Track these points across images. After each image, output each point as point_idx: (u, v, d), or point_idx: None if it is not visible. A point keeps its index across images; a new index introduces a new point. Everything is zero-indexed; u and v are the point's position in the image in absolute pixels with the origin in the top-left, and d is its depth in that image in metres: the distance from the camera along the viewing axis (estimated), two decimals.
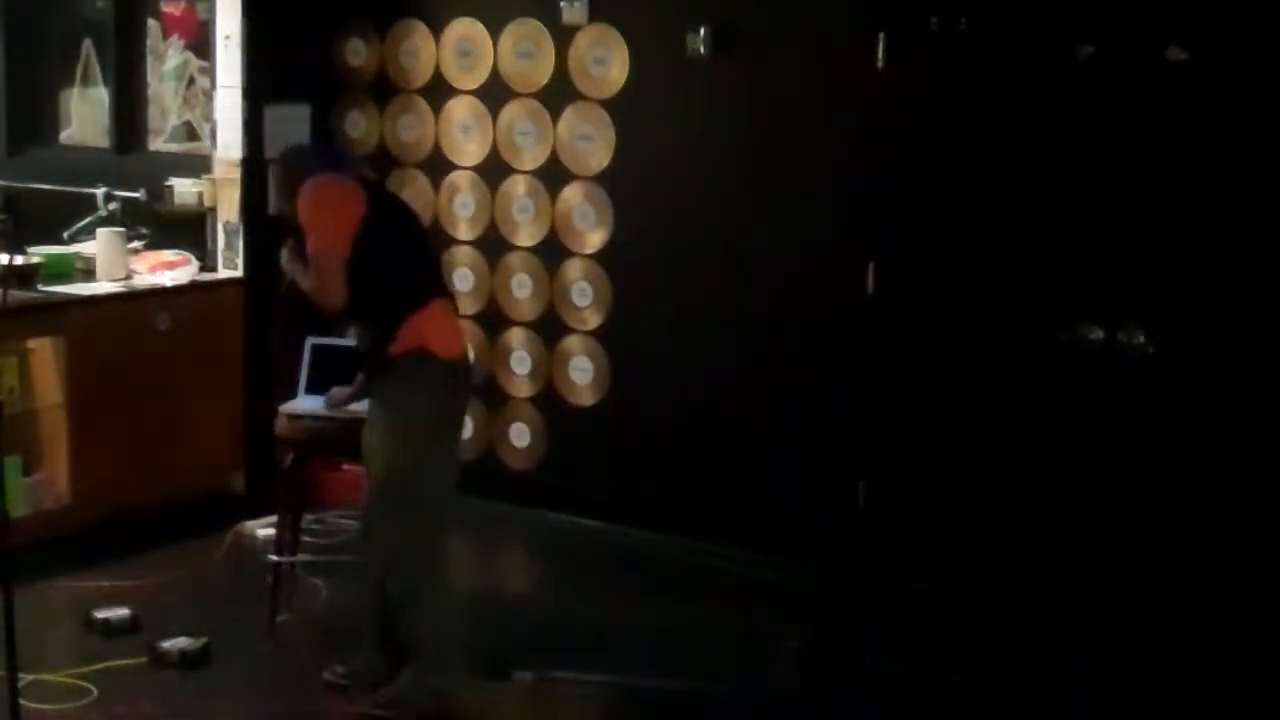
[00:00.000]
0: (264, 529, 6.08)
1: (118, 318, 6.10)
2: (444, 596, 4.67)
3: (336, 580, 5.60)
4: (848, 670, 5.19)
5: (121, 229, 6.43)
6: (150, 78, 7.16)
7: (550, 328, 6.58)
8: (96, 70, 7.33)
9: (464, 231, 6.77)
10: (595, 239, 6.42)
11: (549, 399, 6.62)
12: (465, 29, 6.65)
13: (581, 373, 6.52)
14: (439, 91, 6.75)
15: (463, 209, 6.76)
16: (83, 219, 6.62)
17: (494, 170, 6.65)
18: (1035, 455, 5.48)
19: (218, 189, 6.62)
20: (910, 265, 5.72)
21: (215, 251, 6.62)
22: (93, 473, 5.96)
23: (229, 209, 6.59)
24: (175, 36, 7.08)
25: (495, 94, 6.60)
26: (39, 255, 6.13)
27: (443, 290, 4.76)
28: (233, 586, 5.67)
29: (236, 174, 6.56)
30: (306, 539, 5.73)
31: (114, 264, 6.24)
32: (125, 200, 6.71)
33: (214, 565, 5.89)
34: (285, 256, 4.76)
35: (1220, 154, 5.09)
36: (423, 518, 4.62)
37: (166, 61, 7.11)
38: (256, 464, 6.39)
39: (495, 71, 6.59)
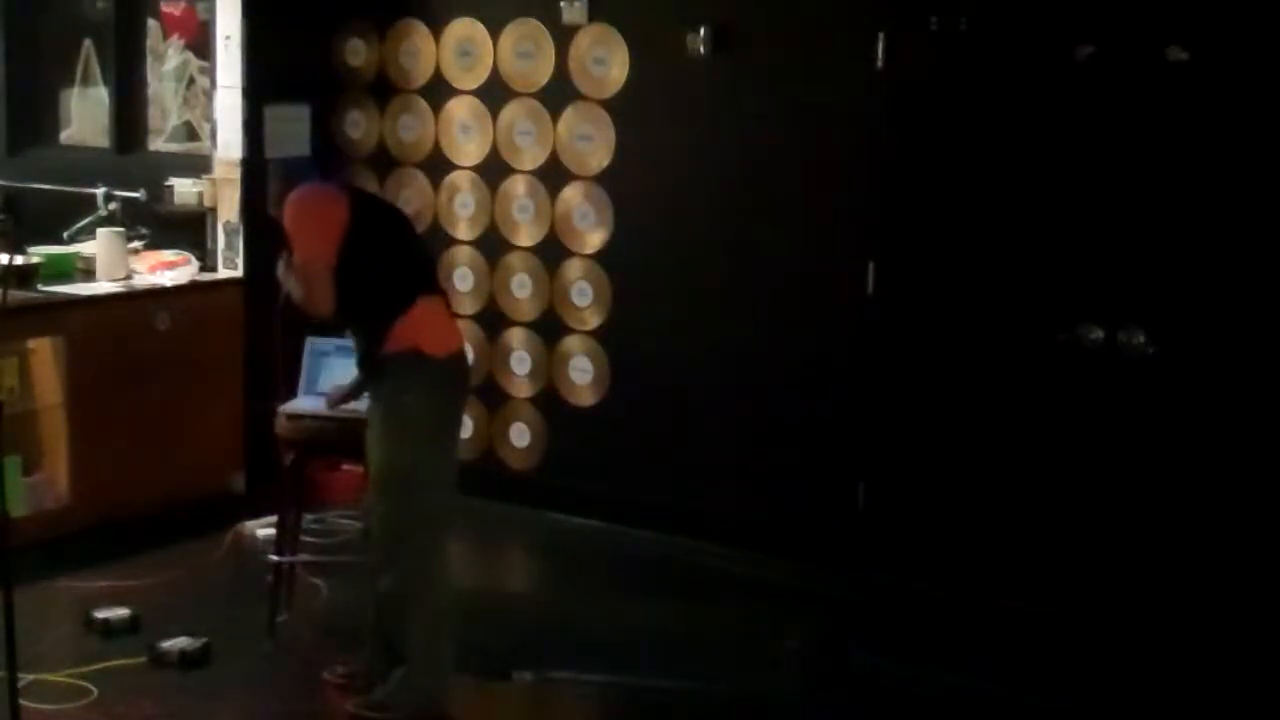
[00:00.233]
0: (264, 529, 6.08)
1: (118, 318, 6.10)
2: (438, 598, 4.67)
3: (336, 580, 5.60)
4: (848, 670, 5.19)
5: (121, 229, 6.43)
6: (150, 78, 7.16)
7: (550, 328, 6.58)
8: (96, 70, 7.34)
9: (464, 231, 6.77)
10: (595, 239, 6.42)
11: (549, 399, 6.62)
12: (465, 29, 6.65)
13: (581, 373, 6.52)
14: (439, 91, 6.75)
15: (462, 209, 6.76)
16: (83, 219, 6.62)
17: (494, 170, 6.65)
18: (1035, 455, 5.48)
19: (218, 189, 6.62)
20: (910, 265, 5.72)
21: (215, 251, 6.62)
22: (93, 473, 5.96)
23: (229, 209, 6.60)
24: (175, 36, 7.08)
25: (495, 94, 6.60)
26: (39, 255, 6.13)
27: (431, 288, 4.76)
28: (233, 586, 5.67)
29: (236, 174, 6.56)
30: (306, 539, 5.73)
31: (114, 264, 6.24)
32: (125, 200, 6.71)
33: (214, 565, 5.89)
34: (281, 269, 4.78)
35: (1220, 154, 5.09)
36: (420, 518, 4.62)
37: (166, 61, 7.11)
38: (256, 464, 6.39)
39: (495, 71, 6.59)
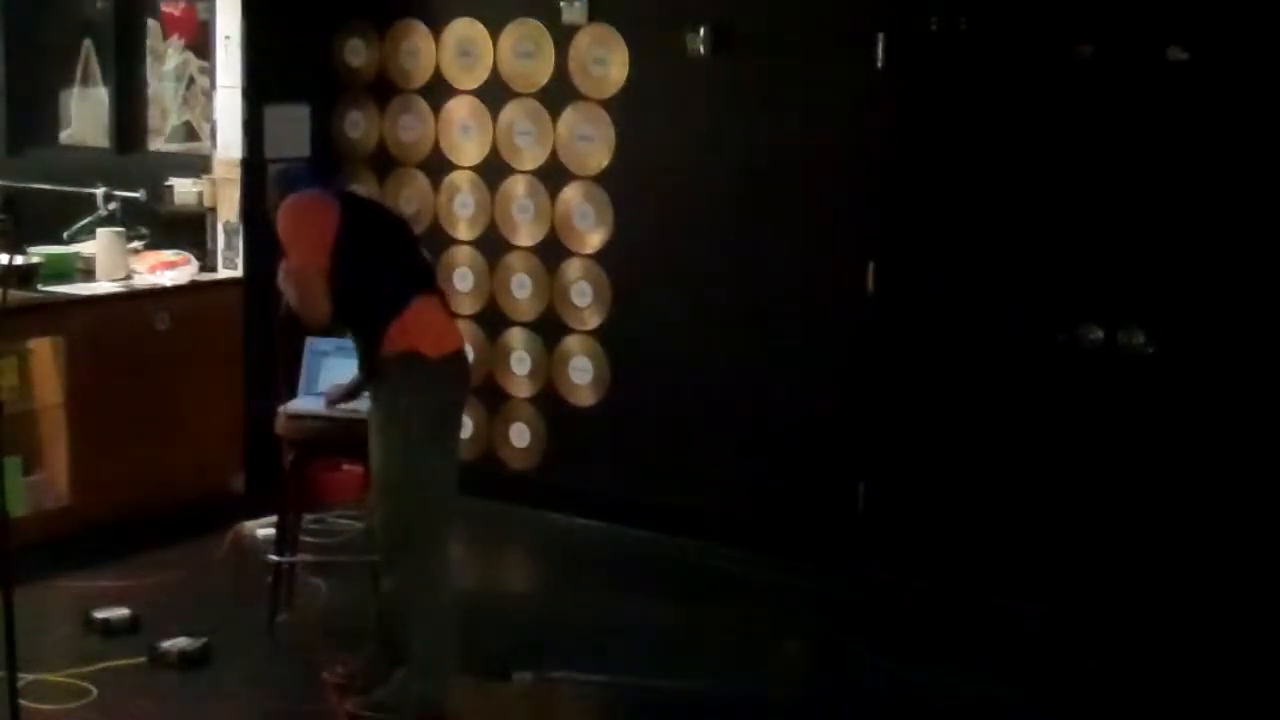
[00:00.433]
0: (264, 529, 6.08)
1: (118, 318, 6.10)
2: (439, 599, 4.66)
3: (336, 580, 5.60)
4: (848, 670, 5.19)
5: (121, 229, 6.44)
6: (150, 78, 7.16)
7: (550, 328, 6.58)
8: (96, 70, 7.34)
9: (464, 231, 6.77)
10: (595, 239, 6.42)
11: (549, 399, 6.62)
12: (465, 29, 6.65)
13: (581, 373, 6.52)
14: (439, 91, 6.75)
15: (462, 209, 6.76)
16: (83, 219, 6.62)
17: (494, 170, 6.65)
18: (1035, 455, 5.48)
19: (218, 189, 6.63)
20: (910, 265, 5.72)
21: (215, 251, 6.62)
22: (93, 473, 5.96)
23: (229, 209, 6.60)
24: (175, 36, 7.08)
25: (495, 94, 6.60)
26: (39, 255, 6.13)
27: (426, 288, 4.75)
28: (233, 586, 5.66)
29: (236, 174, 6.57)
30: (306, 539, 5.72)
31: (114, 264, 6.24)
32: (125, 200, 6.71)
33: (214, 565, 5.88)
34: (281, 276, 4.78)
35: (1220, 154, 5.09)
36: (420, 519, 4.61)
37: (166, 61, 7.11)
38: (256, 464, 6.39)
39: (495, 71, 6.59)
